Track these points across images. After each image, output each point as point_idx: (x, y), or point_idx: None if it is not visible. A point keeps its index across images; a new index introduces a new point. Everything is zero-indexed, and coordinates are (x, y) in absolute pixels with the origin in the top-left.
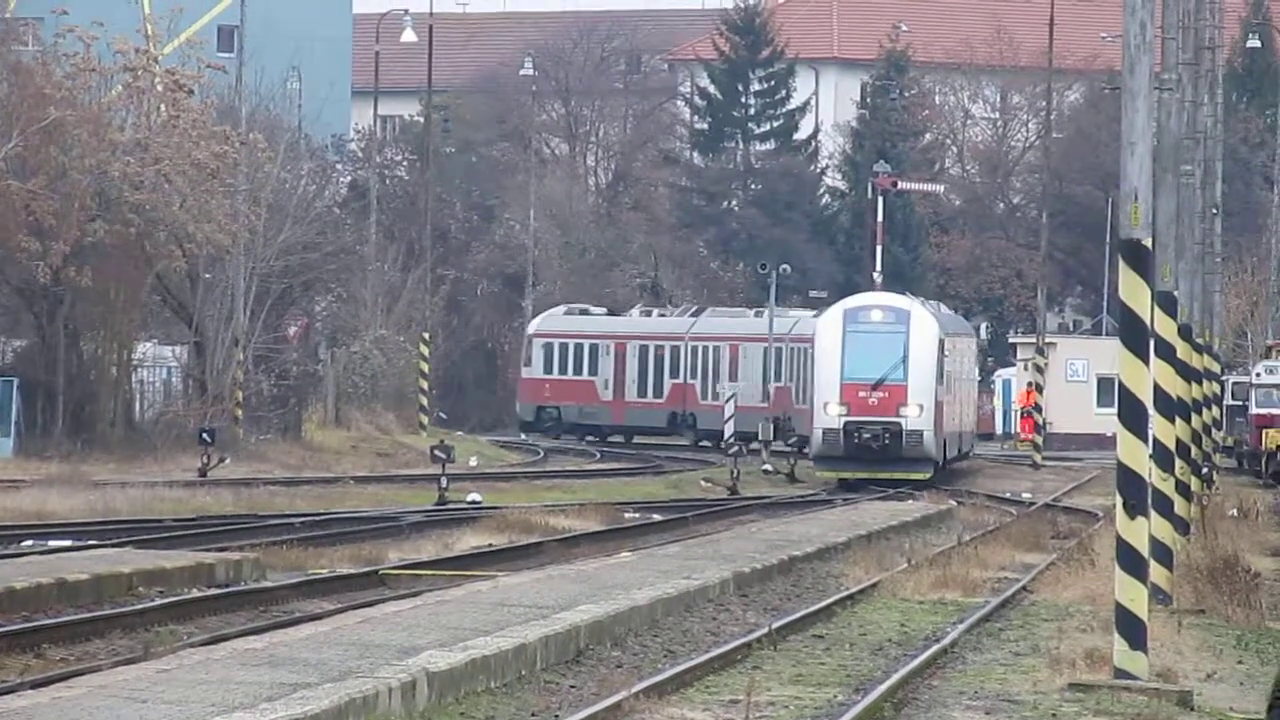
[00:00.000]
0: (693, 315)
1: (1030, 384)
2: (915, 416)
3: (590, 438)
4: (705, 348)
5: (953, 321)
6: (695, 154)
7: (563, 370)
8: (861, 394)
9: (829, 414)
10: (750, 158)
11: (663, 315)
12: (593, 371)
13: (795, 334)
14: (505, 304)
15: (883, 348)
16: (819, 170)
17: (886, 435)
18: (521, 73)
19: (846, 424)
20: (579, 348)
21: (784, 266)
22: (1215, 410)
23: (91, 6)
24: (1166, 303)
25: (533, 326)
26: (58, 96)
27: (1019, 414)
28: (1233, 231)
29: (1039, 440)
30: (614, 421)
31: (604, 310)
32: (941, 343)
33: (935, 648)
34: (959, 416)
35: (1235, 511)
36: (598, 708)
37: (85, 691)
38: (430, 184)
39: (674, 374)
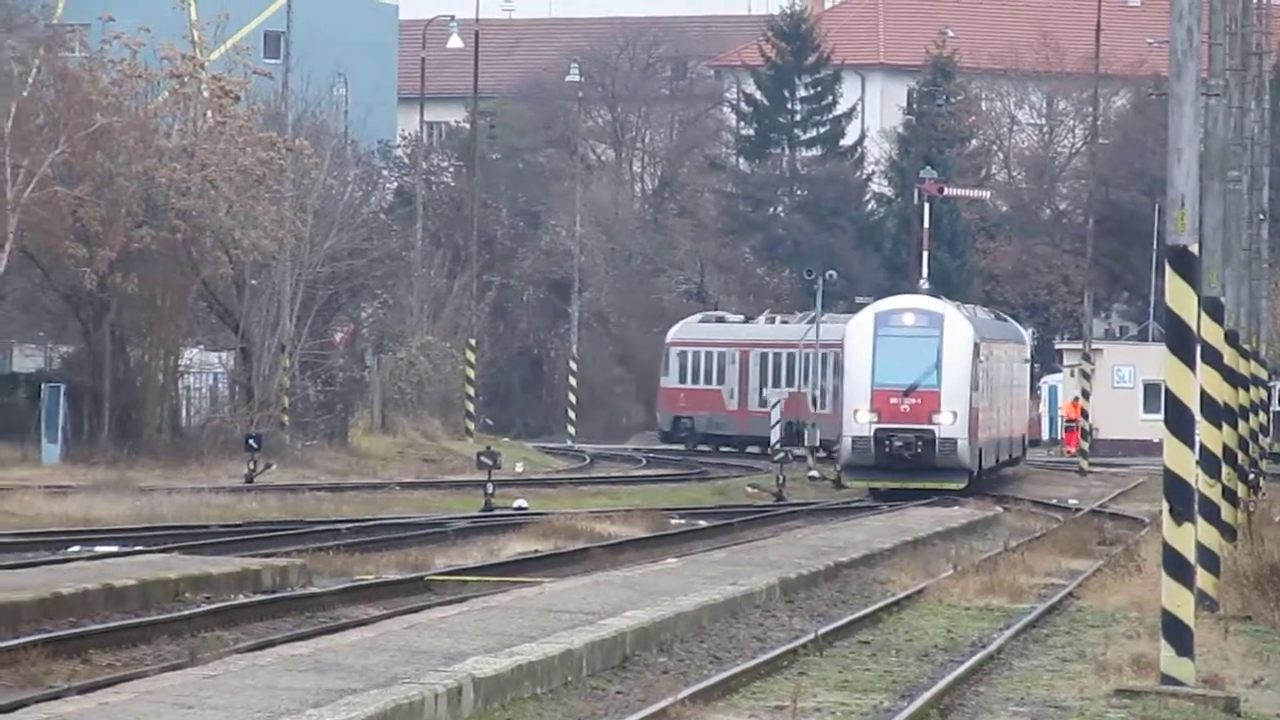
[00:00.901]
0: (809, 321)
1: (1076, 398)
2: (949, 424)
3: (724, 448)
4: (817, 355)
5: (993, 326)
6: (741, 160)
7: (695, 379)
8: (893, 400)
9: (859, 421)
10: (796, 164)
11: (785, 322)
12: (720, 380)
13: None
14: (551, 310)
15: (915, 352)
16: (865, 176)
17: (919, 444)
18: (567, 79)
19: (877, 432)
20: (709, 356)
21: (830, 272)
22: (1262, 416)
23: (138, 13)
24: (1213, 308)
25: (670, 334)
26: (104, 103)
27: (1063, 426)
28: None
29: (1085, 446)
30: (740, 432)
31: (741, 317)
32: (977, 347)
33: (981, 654)
34: (998, 424)
35: None
36: (644, 713)
37: (132, 697)
38: (476, 190)
39: (789, 382)
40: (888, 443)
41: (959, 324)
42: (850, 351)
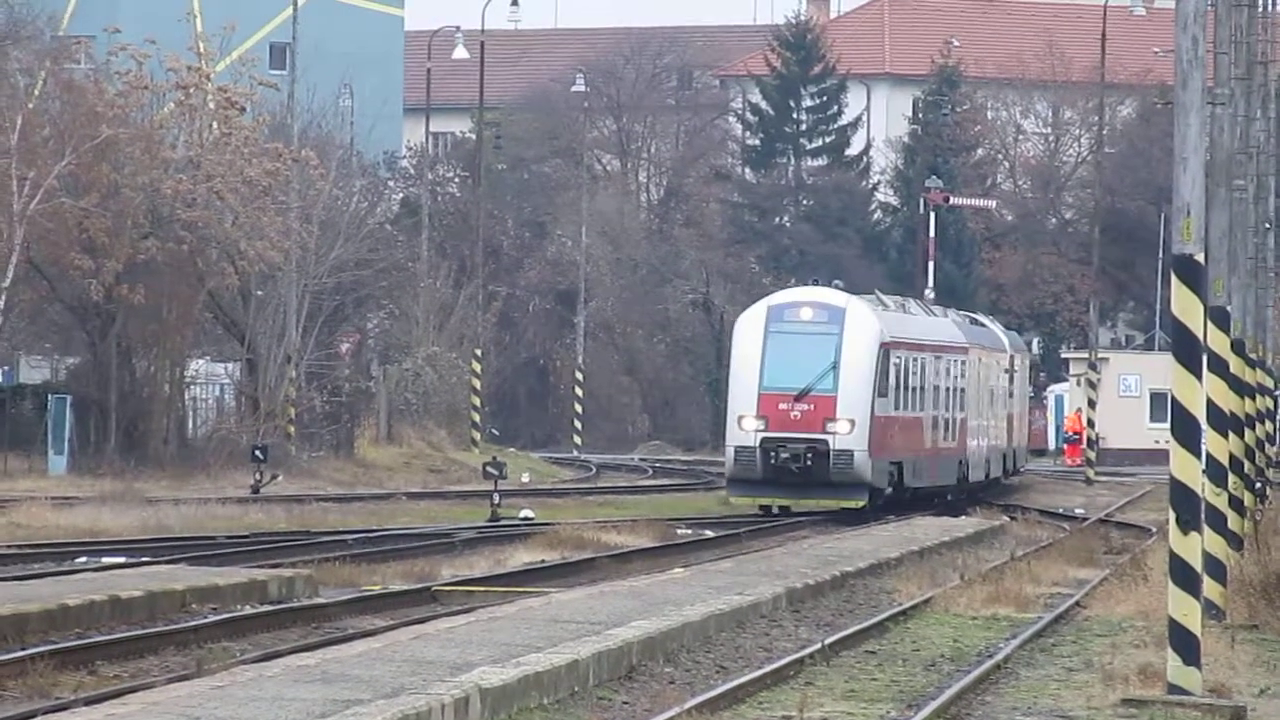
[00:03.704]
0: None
1: (1078, 409)
2: (845, 434)
3: None
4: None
5: (930, 325)
6: (747, 170)
7: None
8: (782, 406)
9: (744, 429)
10: (802, 173)
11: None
12: None
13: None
14: (557, 320)
15: (810, 352)
16: (871, 186)
17: (809, 455)
18: (573, 89)
19: (764, 441)
20: None
21: (836, 282)
22: (1269, 425)
23: (144, 24)
24: (1219, 318)
25: None
26: (110, 114)
27: (1064, 438)
28: None
29: (1092, 456)
30: None
31: None
32: (885, 348)
33: (988, 663)
34: (928, 436)
35: None
36: None
37: (139, 708)
38: (482, 200)
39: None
40: (774, 454)
41: (863, 320)
42: (738, 350)
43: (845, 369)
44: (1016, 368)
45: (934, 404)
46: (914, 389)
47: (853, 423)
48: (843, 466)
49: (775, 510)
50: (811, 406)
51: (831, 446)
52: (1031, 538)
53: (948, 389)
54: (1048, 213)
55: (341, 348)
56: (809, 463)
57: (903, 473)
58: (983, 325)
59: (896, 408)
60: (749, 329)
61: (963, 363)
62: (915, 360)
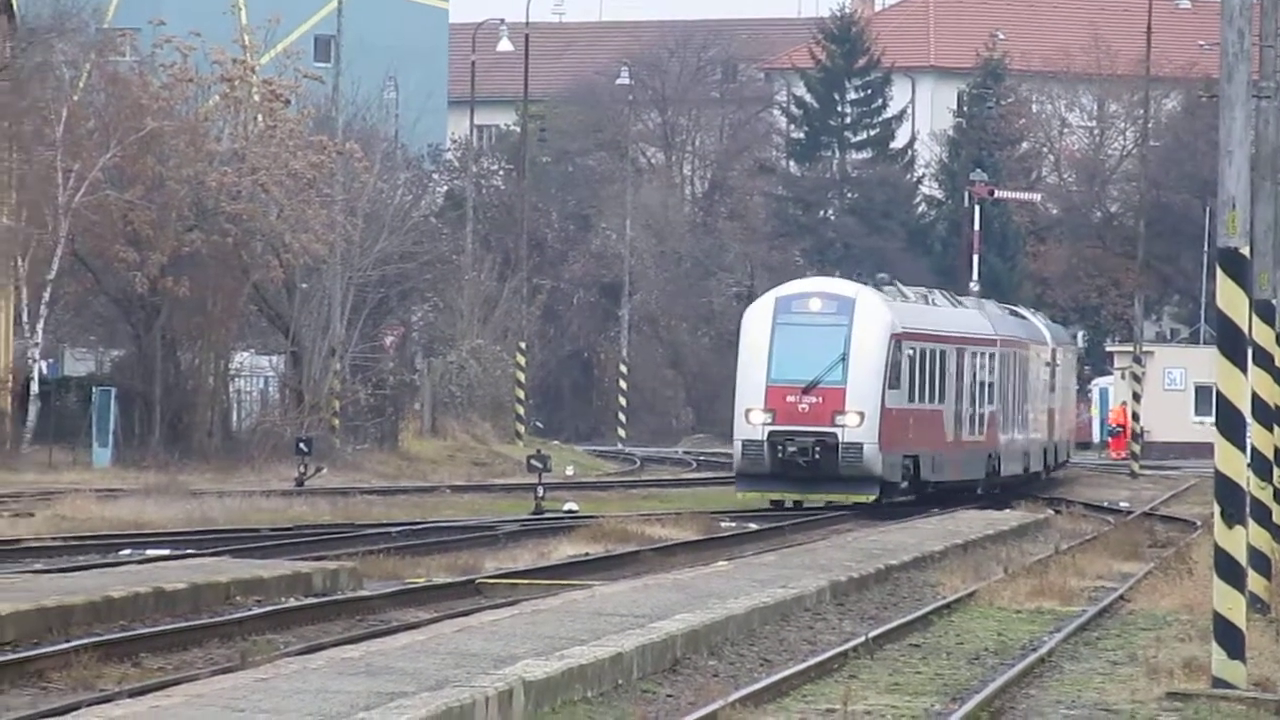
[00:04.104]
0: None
1: (1124, 403)
2: (854, 427)
3: None
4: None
5: (953, 316)
6: (791, 163)
7: None
8: (790, 399)
9: (751, 422)
10: (846, 167)
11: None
12: None
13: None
14: (601, 313)
15: (819, 343)
16: (915, 179)
17: (818, 448)
18: (618, 82)
19: (771, 434)
20: None
21: (881, 275)
22: None
23: (189, 17)
24: (1265, 311)
25: None
26: (155, 107)
27: (1108, 431)
28: None
29: (1136, 449)
30: None
31: None
32: (897, 339)
33: (1032, 657)
34: (949, 429)
35: None
36: (695, 716)
37: (183, 700)
38: (526, 193)
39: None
40: (782, 447)
41: (873, 311)
42: (745, 342)
43: (854, 360)
44: (1059, 361)
45: (956, 396)
46: (932, 381)
47: (862, 415)
48: (852, 460)
49: (789, 504)
50: (820, 399)
51: (840, 439)
52: (1076, 531)
53: (973, 381)
54: (1092, 206)
55: (386, 340)
56: (817, 456)
57: (919, 466)
58: (1022, 317)
59: (911, 400)
60: (757, 320)
61: (991, 355)
62: (933, 352)
